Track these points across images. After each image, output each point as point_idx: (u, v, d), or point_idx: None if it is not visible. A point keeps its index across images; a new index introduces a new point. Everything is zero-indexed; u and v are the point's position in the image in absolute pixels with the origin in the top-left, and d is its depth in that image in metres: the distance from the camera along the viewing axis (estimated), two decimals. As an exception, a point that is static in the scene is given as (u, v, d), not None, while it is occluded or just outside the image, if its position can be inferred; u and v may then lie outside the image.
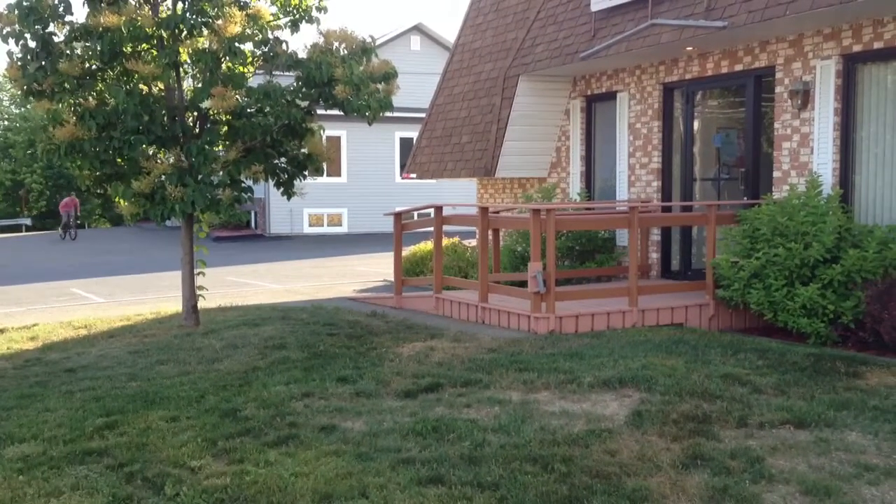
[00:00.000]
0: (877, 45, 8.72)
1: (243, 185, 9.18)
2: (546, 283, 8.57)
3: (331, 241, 26.28)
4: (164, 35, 8.61)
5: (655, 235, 11.49)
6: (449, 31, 52.72)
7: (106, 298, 13.66)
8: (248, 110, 9.09)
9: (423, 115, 16.33)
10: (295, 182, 9.72)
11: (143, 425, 5.56)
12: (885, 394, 5.84)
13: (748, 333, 8.85)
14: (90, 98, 8.69)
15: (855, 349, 7.84)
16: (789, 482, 4.24)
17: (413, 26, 31.15)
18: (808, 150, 9.44)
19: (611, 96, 12.35)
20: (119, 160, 8.87)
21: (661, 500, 4.09)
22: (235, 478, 4.56)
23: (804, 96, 9.41)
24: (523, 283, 9.55)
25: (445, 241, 13.32)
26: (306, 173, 9.80)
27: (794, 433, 5.03)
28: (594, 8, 11.44)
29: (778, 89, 9.83)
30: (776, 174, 9.89)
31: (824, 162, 9.24)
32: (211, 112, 8.97)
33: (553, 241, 8.87)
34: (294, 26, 9.36)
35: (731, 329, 9.16)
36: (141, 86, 8.79)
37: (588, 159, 12.99)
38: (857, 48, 8.92)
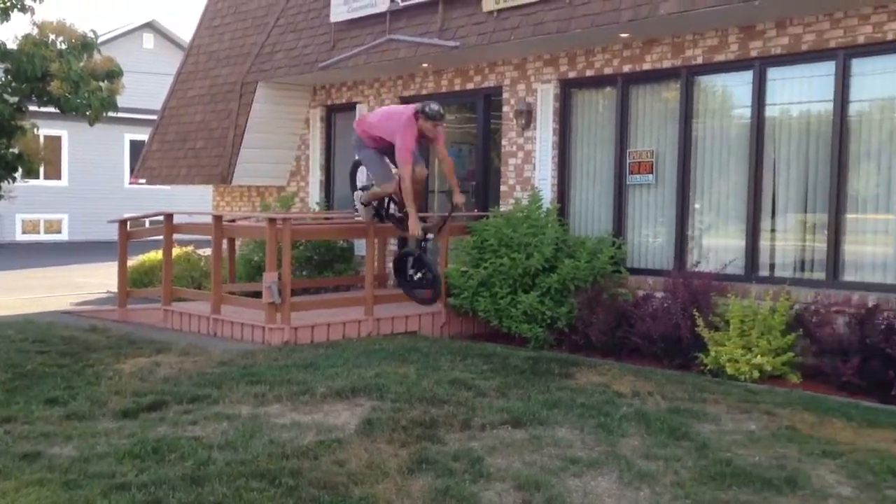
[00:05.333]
0: (588, 72, 9.57)
1: (-62, 185, 8.15)
2: (281, 293, 8.43)
3: (48, 249, 24.06)
4: None
5: (392, 245, 11.74)
6: (186, 30, 50.32)
7: None
8: (-54, 102, 8.09)
9: (156, 117, 15.48)
10: (2, 184, 8.79)
11: None
12: (591, 391, 6.37)
13: (476, 339, 9.28)
14: None
15: (568, 351, 8.50)
16: (505, 479, 4.47)
17: (146, 23, 29.48)
18: (531, 166, 10.13)
19: (351, 107, 12.47)
20: None
21: (385, 506, 4.14)
22: (-89, 520, 3.98)
23: (527, 116, 10.09)
24: (259, 294, 9.32)
25: (178, 251, 12.69)
26: (17, 175, 8.91)
27: (511, 432, 5.32)
28: (334, 19, 11.50)
29: (505, 109, 10.46)
30: (503, 188, 10.50)
31: (544, 178, 9.96)
32: None
33: (289, 250, 8.75)
34: (4, 15, 8.46)
35: (461, 336, 9.56)
36: None
37: (328, 169, 13.01)
38: (572, 74, 9.73)
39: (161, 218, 10.16)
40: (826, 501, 4.26)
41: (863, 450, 5.10)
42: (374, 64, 10.94)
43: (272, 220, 8.70)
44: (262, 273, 8.78)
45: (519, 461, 4.77)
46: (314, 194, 12.95)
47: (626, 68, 9.22)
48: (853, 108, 7.77)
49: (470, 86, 10.88)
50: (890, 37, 7.39)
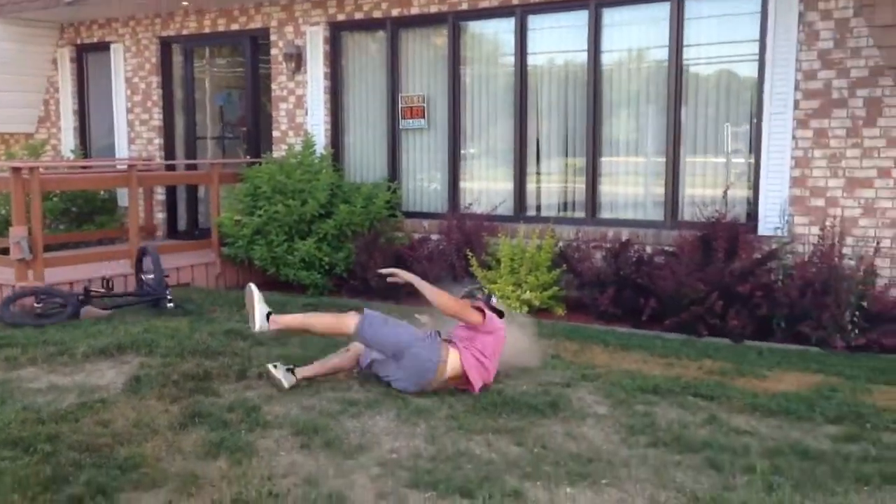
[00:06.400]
0: (358, 15, 9.44)
1: None
2: (32, 248, 7.72)
3: None
4: None
5: (160, 195, 11.11)
6: None
7: None
8: None
9: None
10: None
11: None
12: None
13: (253, 289, 9.03)
14: None
15: (348, 296, 8.52)
16: (283, 426, 4.40)
17: None
18: (303, 111, 9.91)
19: (104, 47, 11.52)
20: None
21: (155, 463, 3.93)
22: None
23: (297, 60, 9.82)
24: (7, 251, 8.48)
25: None
26: None
27: (289, 379, 5.24)
28: (80, -52, 10.48)
29: (273, 52, 10.11)
30: (276, 134, 10.21)
31: (317, 123, 9.79)
32: None
33: (39, 202, 8.00)
34: None
35: (237, 286, 9.26)
36: None
37: (82, 114, 12.00)
38: (341, 17, 9.56)
39: None
40: (584, 420, 4.59)
41: (617, 371, 5.55)
42: (128, 0, 10.14)
43: (17, 170, 7.90)
44: (10, 228, 7.99)
45: (297, 407, 4.72)
46: (68, 141, 11.92)
47: (395, 12, 9.20)
48: (605, 58, 8.26)
49: (235, 27, 10.40)
50: (637, -11, 7.90)
